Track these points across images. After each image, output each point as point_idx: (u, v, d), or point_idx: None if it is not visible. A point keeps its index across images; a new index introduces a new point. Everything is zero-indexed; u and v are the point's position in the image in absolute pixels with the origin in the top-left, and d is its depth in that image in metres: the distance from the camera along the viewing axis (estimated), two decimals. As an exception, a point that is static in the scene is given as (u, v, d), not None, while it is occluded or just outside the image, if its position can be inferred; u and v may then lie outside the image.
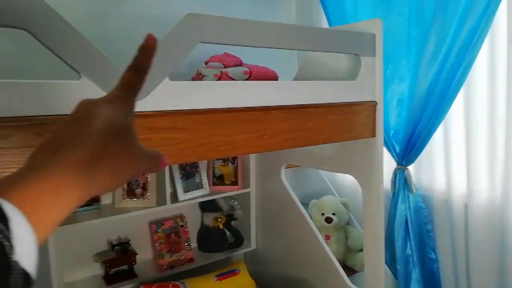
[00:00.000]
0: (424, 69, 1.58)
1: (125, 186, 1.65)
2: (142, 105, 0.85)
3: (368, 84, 1.30)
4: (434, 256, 1.71)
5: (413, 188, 1.70)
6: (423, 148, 1.65)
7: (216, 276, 1.57)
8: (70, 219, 1.49)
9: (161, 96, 0.87)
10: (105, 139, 0.39)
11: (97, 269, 1.71)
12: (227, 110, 0.98)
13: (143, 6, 1.75)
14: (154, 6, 1.76)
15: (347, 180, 2.12)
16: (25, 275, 0.28)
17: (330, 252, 1.63)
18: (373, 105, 1.31)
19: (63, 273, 1.62)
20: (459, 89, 1.50)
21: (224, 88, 0.99)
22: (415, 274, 1.72)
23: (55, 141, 0.38)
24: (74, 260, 1.65)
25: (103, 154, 0.38)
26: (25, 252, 0.28)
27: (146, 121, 0.85)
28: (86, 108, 0.42)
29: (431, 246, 1.71)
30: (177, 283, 1.50)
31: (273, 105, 1.06)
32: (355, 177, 1.44)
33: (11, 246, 0.27)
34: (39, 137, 0.73)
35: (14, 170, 0.73)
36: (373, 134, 1.33)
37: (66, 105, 0.76)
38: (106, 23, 1.63)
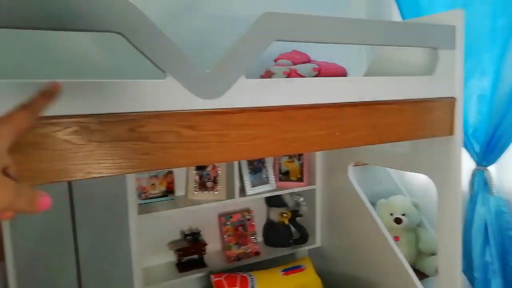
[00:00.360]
0: (510, 62, 1.46)
1: (198, 179, 1.74)
2: (219, 102, 0.89)
3: (446, 79, 1.23)
4: (517, 265, 1.57)
5: (494, 191, 1.58)
6: (506, 148, 1.53)
7: (282, 271, 1.60)
8: (148, 209, 1.61)
9: (238, 93, 0.91)
10: None
11: (171, 257, 1.82)
12: (299, 107, 0.99)
13: (220, 6, 1.81)
14: (231, 6, 1.81)
15: (418, 180, 2.03)
16: None
17: (400, 254, 1.58)
18: (451, 101, 1.24)
19: (141, 259, 1.75)
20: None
21: (297, 85, 1.00)
22: (495, 284, 1.60)
23: None
24: (151, 247, 1.77)
25: None
26: None
27: (223, 117, 0.89)
28: None
29: (514, 254, 1.58)
30: (245, 274, 1.55)
31: (345, 101, 1.05)
32: (431, 178, 1.38)
33: None
34: (129, 132, 0.80)
35: (109, 162, 0.82)
36: (451, 132, 1.26)
37: (153, 103, 0.84)
38: (184, 23, 1.71)
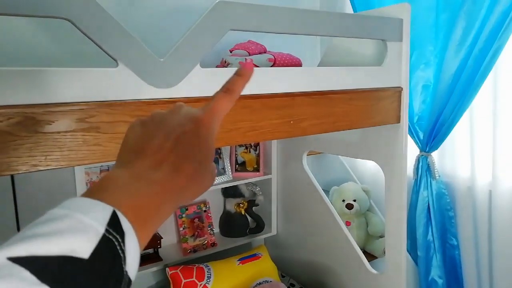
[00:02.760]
0: (451, 54, 1.56)
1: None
2: (174, 91, 0.87)
3: (394, 70, 1.29)
4: (455, 243, 1.71)
5: (436, 175, 1.70)
6: (447, 135, 1.64)
7: (238, 260, 1.61)
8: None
9: (192, 82, 0.90)
10: (202, 167, 0.41)
11: (125, 252, 1.77)
12: (254, 96, 1.00)
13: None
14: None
15: (368, 166, 2.12)
16: (129, 282, 0.33)
17: (351, 238, 1.65)
18: (398, 91, 1.31)
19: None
20: (487, 74, 1.48)
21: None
22: (436, 261, 1.72)
23: (159, 151, 0.39)
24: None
25: (195, 181, 0.40)
26: (131, 262, 0.33)
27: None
28: (203, 125, 0.43)
29: (452, 232, 1.71)
30: (201, 266, 1.54)
31: (299, 91, 1.08)
32: (378, 164, 1.45)
33: (124, 257, 0.32)
34: (79, 122, 0.76)
35: (57, 154, 0.78)
36: (397, 120, 1.33)
37: (105, 92, 0.80)
38: (137, 10, 1.65)
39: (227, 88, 0.46)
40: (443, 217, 1.72)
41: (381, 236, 1.94)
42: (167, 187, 0.38)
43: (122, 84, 0.81)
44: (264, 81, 1.02)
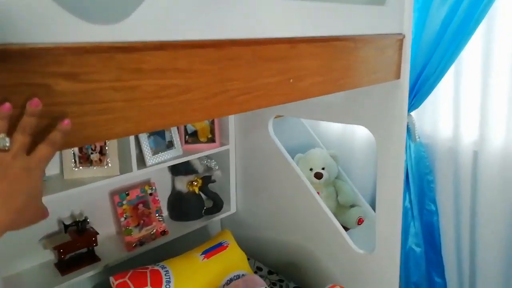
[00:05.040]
0: (436, 4, 1.34)
1: (77, 151, 1.28)
2: (121, 30, 0.51)
3: (396, 12, 1.03)
4: (434, 208, 1.59)
5: (416, 137, 1.53)
6: (430, 92, 1.46)
7: (201, 254, 1.31)
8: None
9: (151, 18, 0.53)
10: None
11: (48, 255, 1.36)
12: (245, 42, 0.66)
13: None
14: None
15: (333, 129, 1.91)
16: None
17: (328, 211, 1.43)
18: (400, 39, 1.05)
19: (3, 265, 1.27)
20: (478, 26, 1.29)
21: (239, 9, 0.65)
22: (414, 228, 1.60)
23: None
24: (15, 248, 1.28)
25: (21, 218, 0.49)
26: None
27: (130, 58, 0.51)
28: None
29: (431, 197, 1.58)
30: (156, 267, 1.21)
31: (298, 36, 0.76)
32: (369, 128, 1.21)
33: None
34: None
35: None
36: (397, 76, 1.09)
37: (12, 32, 0.41)
38: None
39: (48, 141, 0.47)
40: (421, 182, 1.58)
41: (352, 206, 1.77)
42: None
43: (38, 19, 0.43)
44: (256, 19, 0.68)
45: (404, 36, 1.05)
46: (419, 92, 1.46)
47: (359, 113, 1.22)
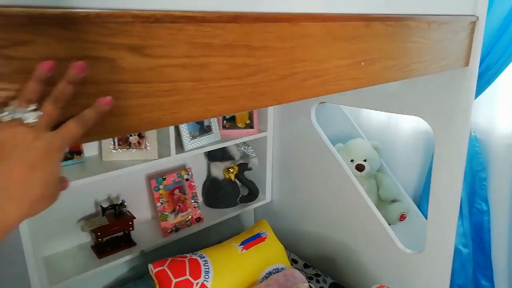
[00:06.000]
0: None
1: (117, 134, 1.24)
2: (193, -2, 0.44)
3: (471, -9, 0.92)
4: (485, 208, 1.48)
5: (471, 131, 1.41)
6: (490, 84, 1.34)
7: (240, 245, 1.26)
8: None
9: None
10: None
11: (85, 237, 1.35)
12: (319, 16, 0.58)
13: None
14: None
15: (375, 119, 1.80)
16: None
17: (373, 205, 1.35)
18: (473, 21, 0.94)
19: (40, 246, 1.26)
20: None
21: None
22: (462, 228, 1.50)
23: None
24: (54, 229, 1.27)
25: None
26: None
27: (202, 30, 0.45)
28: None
29: (482, 196, 1.48)
30: (195, 257, 1.17)
31: (373, 13, 0.67)
32: (427, 120, 1.12)
33: None
34: None
35: None
36: (466, 63, 0.98)
37: None
38: None
39: (79, 119, 0.39)
40: (473, 179, 1.47)
41: (394, 201, 1.68)
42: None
43: None
44: (330, -7, 0.60)
45: (477, 19, 0.95)
46: (478, 82, 1.34)
47: (418, 103, 1.12)
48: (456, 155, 1.07)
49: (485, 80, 1.33)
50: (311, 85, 0.60)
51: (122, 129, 0.41)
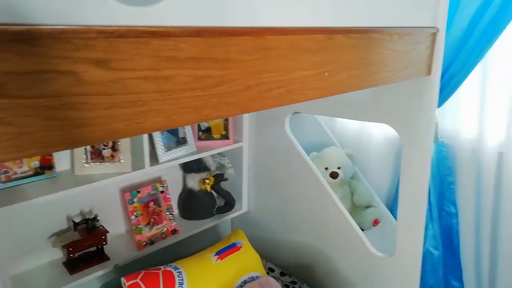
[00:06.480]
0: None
1: (89, 147, 1.23)
2: (156, 15, 0.46)
3: (430, 5, 0.97)
4: (453, 211, 1.54)
5: (439, 137, 1.47)
6: (454, 91, 1.40)
7: (215, 255, 1.26)
8: (15, 195, 1.07)
9: (189, 1, 0.48)
10: None
11: (56, 254, 1.32)
12: (282, 30, 0.61)
13: None
14: None
15: (349, 127, 1.85)
16: None
17: (346, 211, 1.38)
18: (434, 32, 0.99)
19: (7, 264, 1.22)
20: (508, 24, 1.24)
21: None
22: (432, 230, 1.54)
23: None
24: (23, 246, 1.24)
25: None
26: None
27: (166, 44, 0.46)
28: None
29: (450, 199, 1.53)
30: (169, 268, 1.16)
31: (335, 26, 0.71)
32: (394, 127, 1.16)
33: None
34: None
35: None
36: (428, 72, 1.03)
37: (32, 11, 0.36)
38: None
39: None
40: (441, 183, 1.53)
41: (368, 206, 1.72)
42: None
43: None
44: (292, 7, 0.63)
45: (438, 30, 1.00)
46: (443, 90, 1.41)
47: (385, 111, 1.17)
48: (422, 160, 1.11)
49: (450, 88, 1.39)
50: (276, 95, 0.62)
51: (84, 140, 0.42)
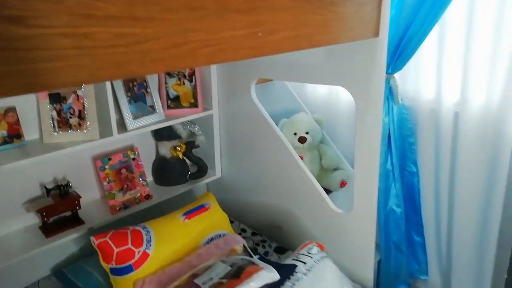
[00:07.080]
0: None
1: (55, 114, 1.26)
2: (70, -27, 0.49)
3: (375, -34, 1.00)
4: (414, 170, 1.61)
5: (399, 99, 1.52)
6: (413, 54, 1.44)
7: (183, 215, 1.33)
8: (-18, 164, 1.12)
9: (103, -41, 0.51)
10: None
11: (32, 219, 1.38)
12: (207, -9, 0.64)
13: None
14: None
15: (318, 94, 1.89)
16: None
17: (310, 173, 1.45)
18: (379, -6, 1.02)
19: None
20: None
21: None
22: (395, 190, 1.62)
23: None
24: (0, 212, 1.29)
25: None
26: None
27: (81, 3, 0.50)
28: None
29: (412, 159, 1.60)
30: (137, 228, 1.23)
31: (268, -14, 0.74)
32: (348, 89, 1.21)
33: None
34: None
35: None
36: (376, 33, 1.07)
37: None
38: None
39: None
40: (403, 144, 1.59)
41: (336, 169, 1.79)
42: None
43: None
44: (219, -32, 0.66)
45: (383, -8, 1.03)
46: (402, 53, 1.45)
47: (339, 73, 1.21)
48: (373, 121, 1.16)
49: (408, 50, 1.42)
50: (205, 53, 0.66)
51: (4, 91, 0.46)
